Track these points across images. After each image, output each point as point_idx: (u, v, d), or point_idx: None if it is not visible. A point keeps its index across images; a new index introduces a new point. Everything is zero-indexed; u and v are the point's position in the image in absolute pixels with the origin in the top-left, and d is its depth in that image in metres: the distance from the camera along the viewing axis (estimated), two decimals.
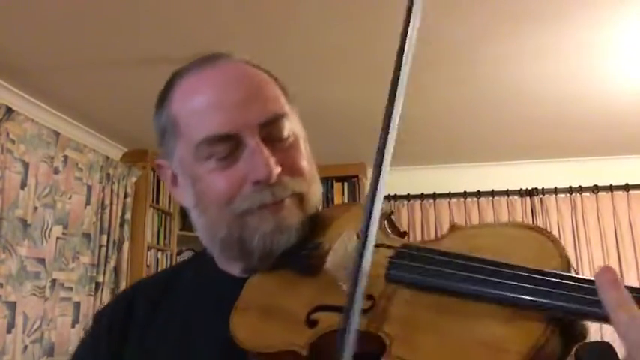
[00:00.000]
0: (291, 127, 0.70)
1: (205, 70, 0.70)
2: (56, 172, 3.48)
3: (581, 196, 4.64)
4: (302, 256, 0.64)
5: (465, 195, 4.74)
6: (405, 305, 0.53)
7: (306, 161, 0.71)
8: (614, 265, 4.46)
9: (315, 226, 0.68)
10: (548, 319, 0.46)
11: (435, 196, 4.79)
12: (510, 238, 0.56)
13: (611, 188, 4.60)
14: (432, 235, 4.70)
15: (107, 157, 4.00)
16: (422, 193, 4.79)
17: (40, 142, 3.35)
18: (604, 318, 0.44)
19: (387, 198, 4.82)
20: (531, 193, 4.70)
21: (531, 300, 0.47)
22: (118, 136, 4.00)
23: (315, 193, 0.71)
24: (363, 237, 0.49)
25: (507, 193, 4.71)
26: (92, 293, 3.75)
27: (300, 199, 0.68)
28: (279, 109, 0.69)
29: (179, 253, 4.81)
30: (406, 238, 0.66)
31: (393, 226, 0.67)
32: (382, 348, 0.51)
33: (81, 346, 0.82)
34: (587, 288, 0.46)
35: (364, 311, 0.53)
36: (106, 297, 3.86)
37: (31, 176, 3.25)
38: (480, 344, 0.47)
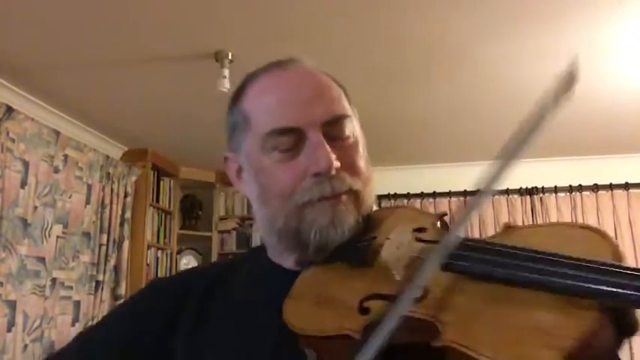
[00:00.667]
0: (352, 128, 0.74)
1: (276, 71, 0.75)
2: (56, 171, 3.48)
3: (581, 195, 4.64)
4: (357, 248, 0.66)
5: (465, 194, 4.74)
6: (457, 294, 0.55)
7: (364, 162, 0.75)
8: None
9: (368, 224, 0.71)
10: (601, 308, 0.47)
11: (434, 195, 4.80)
12: (564, 235, 0.57)
13: (611, 187, 4.60)
14: None
15: (107, 156, 4.00)
16: (422, 192, 4.79)
17: (40, 141, 3.35)
18: None
19: (387, 197, 4.83)
20: (531, 191, 4.70)
21: (585, 287, 0.48)
22: (118, 135, 4.00)
23: (371, 194, 0.74)
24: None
25: (507, 192, 4.70)
26: (92, 292, 3.76)
27: (357, 196, 0.71)
28: (342, 110, 0.74)
29: (179, 252, 4.82)
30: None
31: (445, 224, 0.69)
32: (435, 334, 0.52)
33: (122, 310, 0.86)
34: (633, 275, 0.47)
35: (417, 299, 0.54)
36: (105, 296, 3.87)
37: (31, 175, 3.25)
38: (535, 330, 0.48)
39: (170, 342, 0.74)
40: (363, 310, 0.58)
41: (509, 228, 0.62)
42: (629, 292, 0.46)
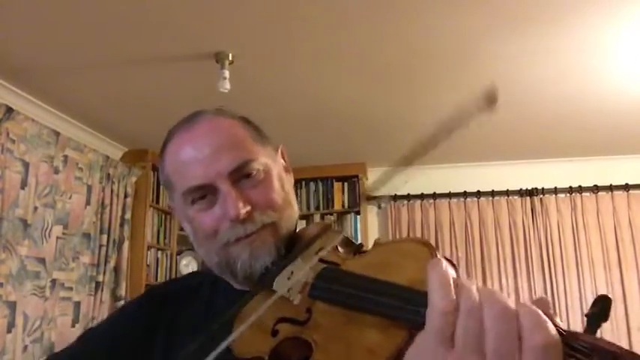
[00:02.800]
0: (260, 165, 0.82)
1: (184, 131, 0.84)
2: (56, 171, 3.48)
3: (581, 196, 4.64)
4: (263, 276, 0.78)
5: (465, 195, 4.74)
6: (325, 317, 0.66)
7: (276, 193, 0.83)
8: (614, 265, 4.47)
9: (293, 245, 0.82)
10: (409, 326, 0.55)
11: (435, 195, 4.79)
12: (407, 252, 0.67)
13: (611, 188, 4.60)
14: (432, 235, 4.71)
15: (107, 157, 4.00)
16: (422, 193, 4.79)
17: (40, 142, 3.35)
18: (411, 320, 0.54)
19: (387, 198, 4.82)
20: (531, 192, 4.70)
21: (386, 312, 0.58)
22: (118, 135, 4.00)
23: (289, 218, 0.84)
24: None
25: (507, 193, 4.71)
26: (92, 293, 3.75)
27: (272, 227, 0.81)
28: (247, 155, 0.81)
29: (179, 252, 4.81)
30: (362, 249, 0.77)
31: (347, 243, 0.78)
32: (310, 352, 0.63)
33: (121, 313, 0.99)
34: (413, 298, 0.55)
35: (303, 322, 0.67)
36: (105, 297, 3.87)
37: (31, 176, 3.25)
38: (365, 349, 0.59)
39: (155, 340, 0.86)
40: (274, 333, 0.68)
41: (376, 244, 0.72)
42: (401, 314, 0.55)
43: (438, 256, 0.62)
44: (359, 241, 0.80)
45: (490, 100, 0.67)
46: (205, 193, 0.80)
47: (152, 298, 0.94)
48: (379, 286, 0.61)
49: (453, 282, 0.50)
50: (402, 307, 0.56)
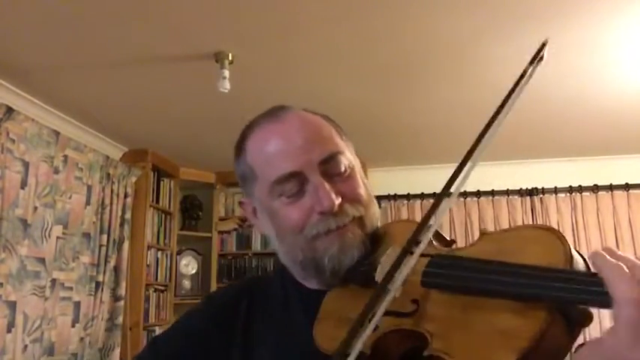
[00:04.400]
0: (347, 160, 0.83)
1: (271, 123, 0.84)
2: (56, 171, 3.48)
3: (581, 196, 4.64)
4: (359, 271, 0.76)
5: (465, 194, 4.74)
6: (440, 306, 0.64)
7: (362, 188, 0.83)
8: None
9: (376, 241, 0.81)
10: (549, 308, 0.55)
11: (435, 195, 4.79)
12: (526, 239, 0.65)
13: (611, 187, 4.60)
14: None
15: (107, 157, 4.00)
16: (422, 193, 4.79)
17: (40, 142, 3.35)
18: (590, 302, 0.54)
19: (387, 198, 4.83)
20: (531, 192, 4.70)
21: (530, 293, 0.56)
22: (118, 135, 4.00)
23: (374, 214, 0.84)
24: (402, 254, 0.63)
25: (507, 192, 4.71)
26: (92, 293, 3.75)
27: (361, 221, 0.81)
28: (335, 147, 0.82)
29: (179, 252, 4.82)
30: (454, 245, 0.76)
31: (439, 237, 0.77)
32: (425, 344, 0.62)
33: (187, 321, 0.95)
34: (577, 279, 0.55)
35: (410, 313, 0.65)
36: (105, 297, 3.87)
37: (31, 176, 3.25)
38: (498, 333, 0.57)
39: (230, 347, 0.85)
40: (374, 328, 0.65)
41: (484, 235, 0.71)
42: (565, 294, 0.54)
43: (564, 239, 0.61)
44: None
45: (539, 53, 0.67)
46: (294, 184, 0.79)
47: (219, 307, 0.91)
48: (509, 267, 0.59)
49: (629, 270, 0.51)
50: (548, 285, 0.54)
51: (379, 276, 0.71)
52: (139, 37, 2.61)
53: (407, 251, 0.65)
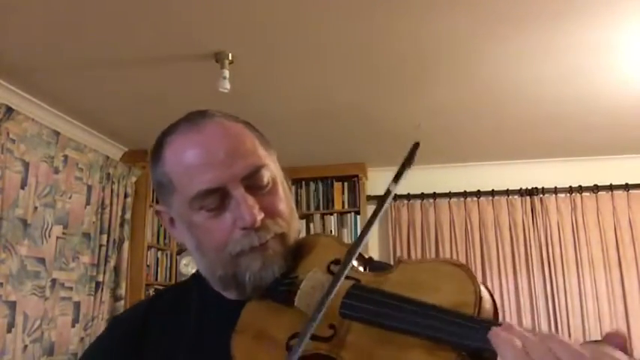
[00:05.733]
0: (270, 174, 0.80)
1: (192, 131, 0.79)
2: (56, 171, 3.48)
3: (581, 196, 4.64)
4: (280, 291, 0.75)
5: (465, 195, 4.74)
6: (356, 335, 0.65)
7: (284, 203, 0.81)
8: (614, 265, 4.47)
9: (297, 255, 0.80)
10: (457, 349, 0.57)
11: (435, 195, 4.79)
12: (440, 274, 0.66)
13: (611, 188, 4.61)
14: (432, 235, 4.71)
15: (107, 157, 4.00)
16: (422, 193, 4.79)
17: (40, 142, 3.35)
18: (488, 350, 0.54)
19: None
20: (531, 192, 4.70)
21: (434, 335, 0.58)
22: (118, 135, 4.00)
23: (294, 229, 0.82)
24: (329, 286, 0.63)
25: (507, 192, 4.71)
26: (92, 293, 3.75)
27: (282, 237, 0.79)
28: (259, 161, 0.79)
29: (179, 252, 4.81)
30: (371, 263, 0.77)
31: (359, 257, 0.77)
32: None
33: (93, 348, 0.92)
34: (471, 326, 0.56)
35: (327, 338, 0.66)
36: (105, 297, 3.87)
37: (31, 176, 3.25)
38: None
39: None
40: (289, 348, 0.67)
41: (400, 263, 0.71)
42: (464, 340, 0.56)
43: (475, 279, 0.63)
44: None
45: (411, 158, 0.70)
46: (215, 198, 0.76)
47: (124, 328, 0.87)
48: (422, 308, 0.61)
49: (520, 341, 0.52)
50: (456, 331, 0.56)
51: (298, 301, 0.71)
52: (138, 37, 2.61)
53: (332, 279, 0.65)
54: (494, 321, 0.58)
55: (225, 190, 0.75)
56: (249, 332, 0.73)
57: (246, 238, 0.76)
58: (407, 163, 0.69)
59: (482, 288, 0.62)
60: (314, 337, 0.65)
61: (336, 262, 0.74)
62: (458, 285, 0.63)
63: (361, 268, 0.76)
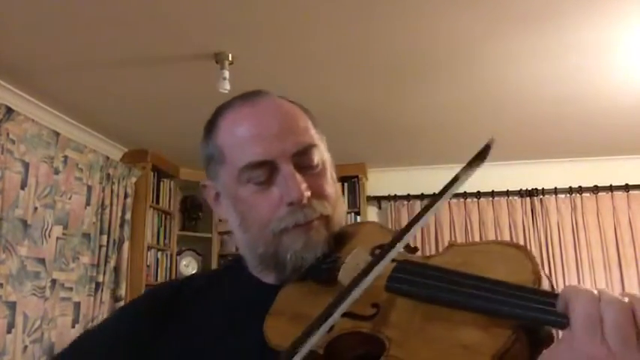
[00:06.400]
0: (320, 155, 0.80)
1: (246, 106, 0.80)
2: (56, 172, 3.48)
3: (581, 196, 4.64)
4: (322, 269, 0.74)
5: (465, 195, 4.74)
6: (402, 313, 0.62)
7: (331, 186, 0.81)
8: (614, 265, 4.47)
9: (339, 241, 0.78)
10: (514, 326, 0.55)
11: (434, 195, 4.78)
12: (495, 255, 0.64)
13: (611, 188, 4.60)
14: (432, 235, 4.71)
15: (107, 157, 4.00)
16: (422, 193, 4.79)
17: (40, 142, 3.35)
18: (554, 324, 0.53)
19: (387, 198, 4.83)
20: (531, 193, 4.70)
21: (496, 309, 0.56)
22: (118, 136, 4.00)
23: (340, 214, 0.81)
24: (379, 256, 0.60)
25: (507, 193, 4.71)
26: (92, 293, 3.75)
27: (327, 220, 0.78)
28: (310, 140, 0.79)
29: (179, 253, 4.81)
30: (417, 253, 0.74)
31: (408, 247, 0.75)
32: (382, 349, 0.60)
33: (124, 309, 0.94)
34: (540, 299, 0.54)
35: (369, 317, 0.63)
36: (105, 297, 3.87)
37: (31, 176, 3.25)
38: (460, 346, 0.56)
39: (154, 347, 0.79)
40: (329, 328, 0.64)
41: (452, 246, 0.69)
42: (532, 313, 0.54)
43: (534, 258, 0.60)
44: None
45: (484, 154, 0.67)
46: (264, 172, 0.75)
47: (154, 301, 0.87)
48: (480, 280, 0.58)
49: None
50: (516, 303, 0.54)
51: (342, 275, 0.69)
52: (138, 37, 2.61)
53: (378, 254, 0.63)
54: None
55: (274, 165, 0.75)
56: (284, 314, 0.72)
57: (291, 216, 0.75)
58: (478, 158, 0.66)
59: (541, 269, 0.60)
60: (354, 316, 0.63)
61: (381, 247, 0.71)
62: (515, 265, 0.60)
63: (406, 253, 0.73)
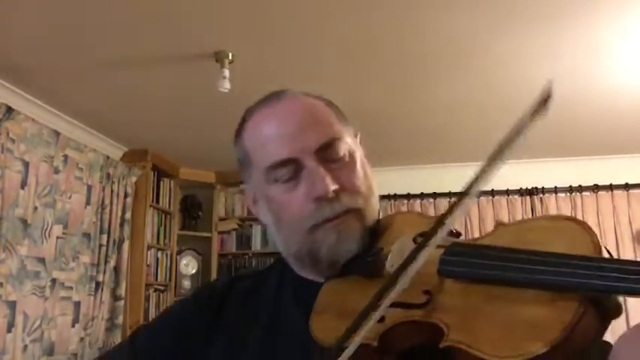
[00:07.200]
0: (346, 147, 0.79)
1: (268, 106, 0.81)
2: (56, 171, 3.48)
3: (582, 196, 4.64)
4: (366, 261, 0.72)
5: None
6: (456, 296, 0.60)
7: (362, 178, 0.79)
8: None
9: (376, 234, 0.77)
10: (581, 298, 0.52)
11: (435, 195, 4.79)
12: (549, 230, 0.62)
13: (611, 187, 4.60)
14: None
15: (107, 157, 4.00)
16: (422, 193, 4.79)
17: (40, 142, 3.35)
18: (624, 291, 0.51)
19: (387, 198, 4.83)
20: (531, 192, 4.70)
21: (563, 281, 0.53)
22: (118, 135, 4.00)
23: (373, 206, 0.80)
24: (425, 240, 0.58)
25: (507, 192, 4.70)
26: (92, 293, 3.75)
27: (358, 213, 0.77)
28: (333, 133, 0.78)
29: (179, 252, 4.82)
30: (460, 237, 0.72)
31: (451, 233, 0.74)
32: (440, 335, 0.58)
33: (179, 303, 0.95)
34: (608, 267, 0.52)
35: (421, 304, 0.61)
36: (105, 297, 3.87)
37: (31, 175, 3.25)
38: (526, 324, 0.54)
39: (205, 350, 0.81)
40: (379, 319, 0.61)
41: (500, 225, 0.67)
42: (600, 282, 0.51)
43: (591, 229, 0.58)
44: None
45: (546, 100, 0.61)
46: (289, 170, 0.75)
47: (205, 300, 0.87)
48: (541, 255, 0.56)
49: None
50: (583, 273, 0.52)
51: (389, 266, 0.68)
52: (138, 37, 2.61)
53: (422, 240, 0.60)
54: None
55: (298, 162, 0.75)
56: (330, 311, 0.71)
57: (319, 211, 0.74)
58: (540, 108, 0.61)
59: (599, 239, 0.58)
60: (406, 305, 0.62)
61: (423, 234, 0.67)
62: (573, 237, 0.58)
63: (451, 238, 0.71)
